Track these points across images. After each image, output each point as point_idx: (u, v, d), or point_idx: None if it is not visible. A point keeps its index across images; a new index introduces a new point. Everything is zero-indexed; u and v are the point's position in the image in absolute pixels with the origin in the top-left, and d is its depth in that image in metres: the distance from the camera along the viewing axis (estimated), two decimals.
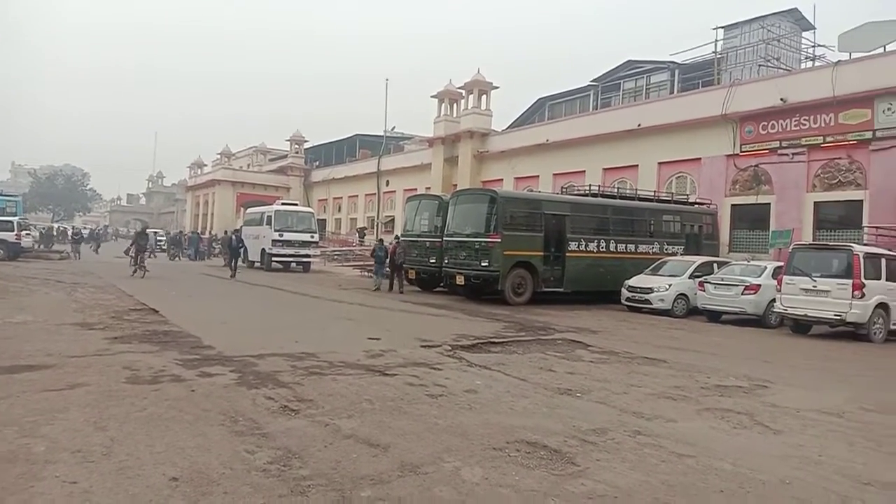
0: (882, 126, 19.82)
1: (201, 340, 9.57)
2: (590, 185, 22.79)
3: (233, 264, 25.83)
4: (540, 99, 39.52)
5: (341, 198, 50.57)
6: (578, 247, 19.13)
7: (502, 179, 33.25)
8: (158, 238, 46.52)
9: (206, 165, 64.97)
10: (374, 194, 45.28)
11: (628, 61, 34.37)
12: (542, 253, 18.44)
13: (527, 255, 18.13)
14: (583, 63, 74.79)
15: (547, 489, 4.36)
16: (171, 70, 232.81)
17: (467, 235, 18.58)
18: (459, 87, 36.59)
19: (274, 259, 29.75)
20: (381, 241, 24.30)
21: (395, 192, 42.99)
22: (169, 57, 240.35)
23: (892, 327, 13.81)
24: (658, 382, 8.11)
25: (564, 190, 23.92)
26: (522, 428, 5.73)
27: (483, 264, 17.78)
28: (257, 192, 53.37)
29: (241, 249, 27.88)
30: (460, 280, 18.38)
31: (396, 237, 23.39)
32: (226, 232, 34.53)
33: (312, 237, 30.86)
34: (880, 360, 11.41)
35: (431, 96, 37.90)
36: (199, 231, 51.07)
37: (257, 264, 30.99)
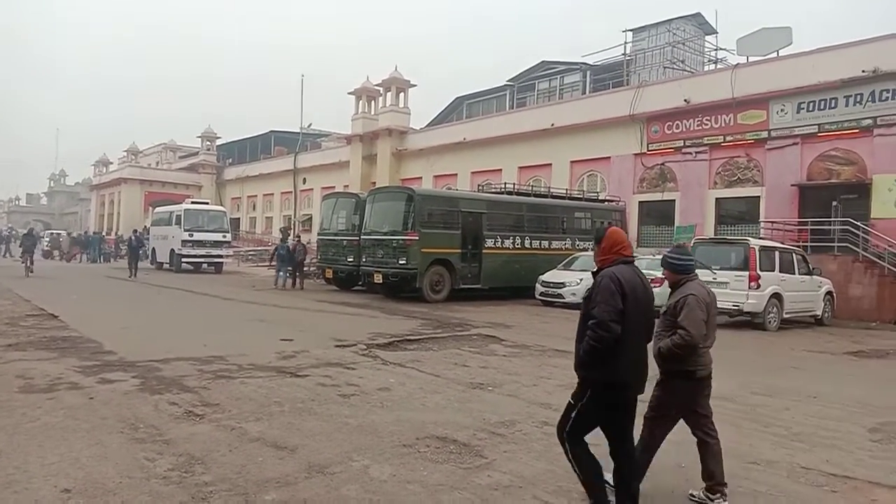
0: (776, 126, 21.10)
1: (102, 346, 9.17)
2: (505, 183, 23.19)
3: (133, 264, 25.46)
4: (458, 98, 39.89)
5: (256, 196, 49.37)
6: (495, 244, 19.44)
7: (421, 177, 33.34)
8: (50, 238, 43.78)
9: (111, 163, 61.93)
10: (291, 192, 44.44)
11: (543, 62, 35.17)
12: (459, 250, 18.63)
13: (444, 253, 18.27)
14: (500, 62, 76.08)
15: (454, 482, 4.43)
16: (74, 66, 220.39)
17: (385, 234, 18.54)
18: (377, 85, 36.41)
19: (184, 260, 28.72)
20: (283, 239, 24.55)
21: (312, 190, 42.33)
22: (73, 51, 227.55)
23: (785, 316, 14.73)
24: (567, 374, 8.26)
25: (481, 188, 24.26)
26: (433, 423, 5.79)
27: (401, 262, 17.79)
28: (167, 190, 51.30)
29: (141, 250, 27.63)
30: (378, 278, 18.31)
31: (297, 236, 23.55)
32: (134, 232, 33.24)
33: (224, 237, 29.99)
34: (772, 347, 12.15)
35: (348, 93, 37.56)
36: (103, 231, 48.68)
37: (166, 265, 29.84)
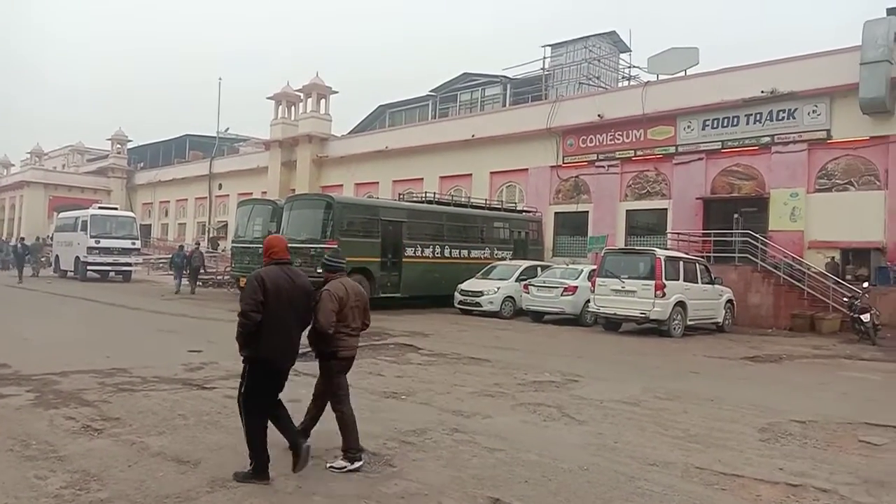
0: (683, 142, 22.18)
1: None
2: (426, 193, 23.33)
3: (20, 271, 25.91)
4: (381, 106, 39.86)
5: (169, 202, 47.68)
6: (415, 252, 19.50)
7: (342, 185, 33.11)
8: None
9: (13, 165, 58.38)
10: (206, 198, 43.16)
11: (465, 74, 35.64)
12: (379, 259, 18.57)
13: (364, 262, 18.16)
14: (423, 72, 76.41)
15: (360, 492, 4.43)
16: None
17: (302, 241, 18.22)
18: (298, 91, 35.95)
19: (90, 268, 27.32)
20: (181, 247, 24.79)
21: (228, 196, 41.27)
22: None
23: (689, 323, 15.45)
24: (480, 381, 8.49)
25: (402, 197, 24.31)
26: None
27: (319, 271, 17.49)
28: (73, 195, 48.68)
29: (28, 256, 28.18)
30: None
31: (197, 243, 23.48)
32: (21, 239, 31.63)
33: (134, 244, 28.71)
34: (677, 353, 12.72)
35: (268, 98, 36.90)
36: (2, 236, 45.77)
37: (70, 273, 28.33)
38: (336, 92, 35.73)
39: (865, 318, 14.87)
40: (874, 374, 10.81)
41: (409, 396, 7.44)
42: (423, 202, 21.95)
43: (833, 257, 18.71)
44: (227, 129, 49.99)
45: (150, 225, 47.86)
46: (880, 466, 5.41)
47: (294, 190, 33.13)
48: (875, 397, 8.75)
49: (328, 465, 4.91)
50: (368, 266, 18.23)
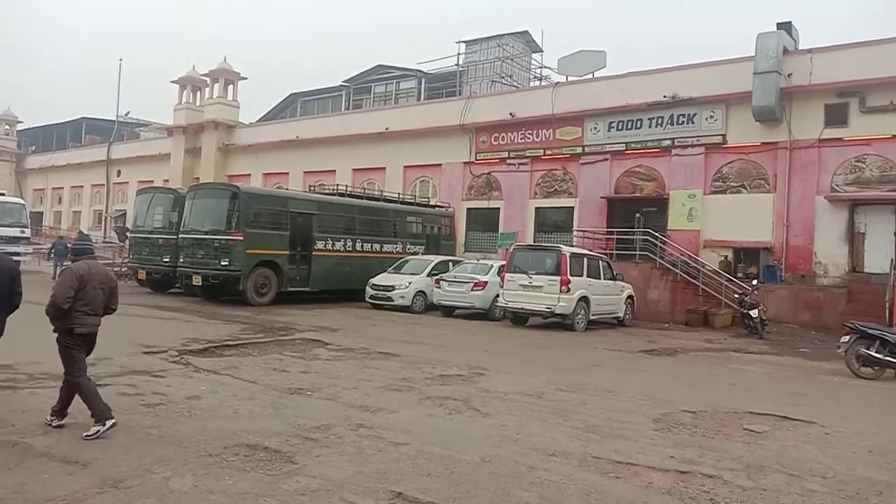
0: (590, 142, 22.89)
1: None
2: (338, 185, 23.03)
3: None
4: (292, 94, 38.99)
5: (63, 188, 44.91)
6: (325, 246, 19.21)
7: (250, 175, 32.24)
8: None
9: None
10: (103, 185, 40.95)
11: (379, 66, 35.40)
12: (287, 252, 18.17)
13: (271, 254, 17.75)
14: (337, 62, 75.07)
15: (260, 490, 4.32)
16: None
17: (206, 233, 17.63)
18: (204, 75, 34.63)
19: None
20: (62, 237, 23.90)
21: (127, 183, 39.35)
22: None
23: (592, 317, 16.00)
24: (388, 376, 8.47)
25: (313, 188, 23.89)
26: (244, 431, 5.60)
27: (223, 263, 17.00)
28: None
29: None
30: (197, 280, 17.35)
31: (80, 232, 22.62)
32: None
33: (23, 232, 26.82)
34: (579, 346, 13.14)
35: (172, 81, 35.38)
36: None
37: None
38: (245, 78, 34.73)
39: (754, 313, 15.86)
40: (760, 367, 11.54)
41: (314, 392, 7.32)
42: (334, 194, 21.67)
43: (726, 256, 19.86)
44: (128, 112, 47.67)
45: (42, 212, 44.94)
46: (761, 452, 5.77)
47: (198, 178, 31.99)
48: (759, 388, 9.33)
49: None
50: (276, 259, 17.84)
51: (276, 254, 17.86)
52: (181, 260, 18.04)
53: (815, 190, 18.85)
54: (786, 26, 19.80)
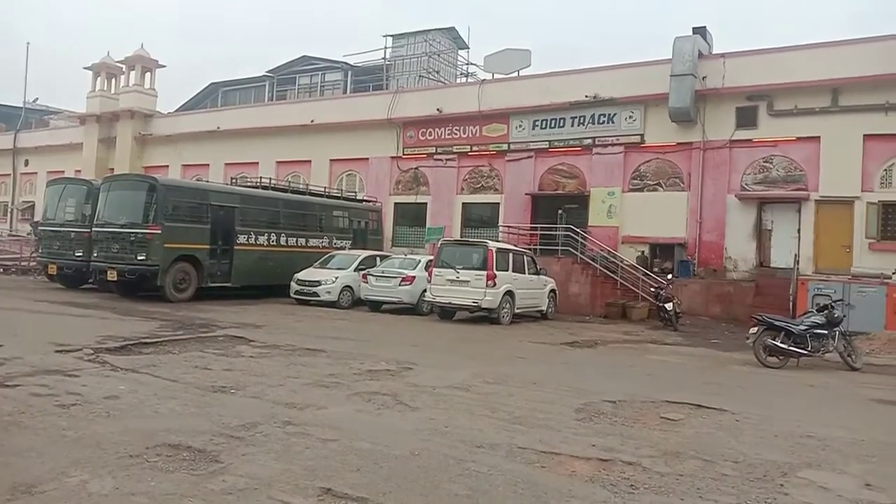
0: (515, 140, 23.29)
1: None
2: (261, 178, 22.53)
3: None
4: (213, 84, 37.84)
5: None
6: (248, 240, 18.79)
7: (168, 166, 31.14)
8: None
9: None
10: (9, 175, 38.60)
11: (304, 56, 34.80)
12: (208, 246, 17.68)
13: (191, 249, 17.21)
14: (259, 52, 73.00)
15: (185, 491, 4.21)
16: None
17: (122, 226, 16.92)
18: (119, 62, 33.13)
19: None
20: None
21: (36, 174, 37.27)
22: None
23: (517, 311, 16.31)
24: (315, 372, 8.39)
25: (235, 181, 23.29)
26: (166, 431, 5.43)
27: (140, 258, 16.37)
28: None
29: None
30: (112, 275, 16.63)
31: None
32: None
33: None
34: (505, 339, 13.39)
35: (85, 68, 33.68)
36: None
37: None
38: (163, 66, 33.45)
39: (669, 306, 16.57)
40: (675, 357, 12.07)
41: (238, 390, 7.17)
42: (257, 187, 21.18)
43: (643, 251, 20.64)
44: (36, 99, 45.01)
45: None
46: (677, 439, 6.05)
47: (113, 169, 30.65)
48: (675, 378, 9.77)
49: None
50: (196, 254, 17.34)
51: (196, 248, 17.34)
52: (95, 254, 17.26)
53: (726, 188, 19.84)
54: (701, 31, 20.71)
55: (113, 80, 33.86)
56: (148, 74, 33.08)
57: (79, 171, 32.12)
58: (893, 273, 15.47)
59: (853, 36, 21.30)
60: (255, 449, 5.12)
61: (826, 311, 11.22)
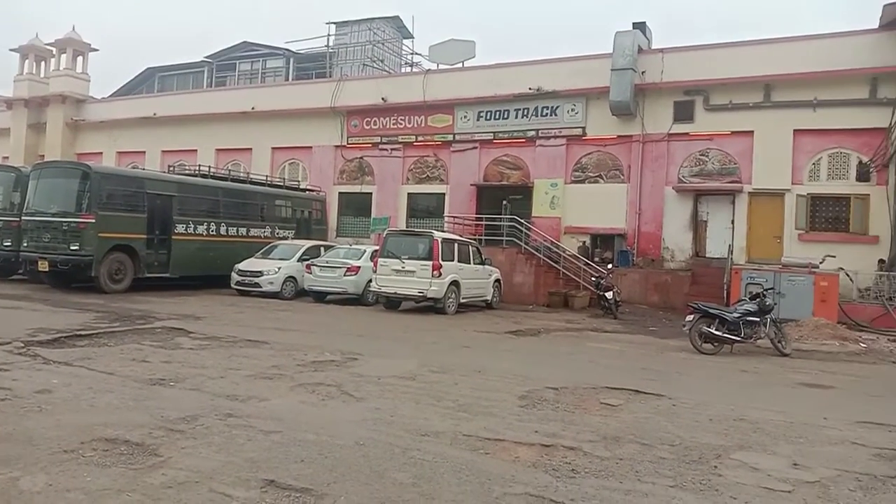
0: (460, 131, 23.35)
1: None
2: (200, 166, 21.95)
3: None
4: (149, 68, 36.55)
5: None
6: (187, 230, 18.32)
7: (102, 153, 30.04)
8: None
9: None
10: None
11: (244, 42, 34.01)
12: (144, 236, 17.17)
13: (127, 238, 16.69)
14: (198, 36, 70.70)
15: (122, 486, 4.11)
16: None
17: (53, 215, 16.26)
18: (49, 45, 31.67)
19: None
20: None
21: None
22: None
23: (462, 301, 16.42)
24: (257, 364, 8.27)
25: (173, 169, 22.64)
26: (102, 425, 5.27)
27: (73, 248, 15.76)
28: None
29: None
30: (44, 266, 15.97)
31: None
32: None
33: None
34: (451, 329, 13.46)
35: (11, 50, 32.10)
36: None
37: None
38: (96, 50, 32.17)
39: (609, 295, 16.96)
40: (614, 345, 12.38)
41: (178, 383, 7.01)
42: (196, 175, 20.63)
43: (584, 241, 21.05)
44: None
45: None
46: (616, 424, 6.23)
47: (43, 156, 29.36)
48: (614, 364, 10.02)
49: None
50: (132, 243, 16.83)
51: (133, 238, 16.83)
52: (25, 244, 16.55)
53: (664, 180, 20.39)
54: (640, 26, 21.18)
55: (42, 64, 32.38)
56: (80, 58, 31.73)
57: (6, 157, 30.73)
58: (821, 262, 16.20)
59: (787, 34, 22.15)
60: (195, 442, 5.03)
61: (758, 300, 11.69)
